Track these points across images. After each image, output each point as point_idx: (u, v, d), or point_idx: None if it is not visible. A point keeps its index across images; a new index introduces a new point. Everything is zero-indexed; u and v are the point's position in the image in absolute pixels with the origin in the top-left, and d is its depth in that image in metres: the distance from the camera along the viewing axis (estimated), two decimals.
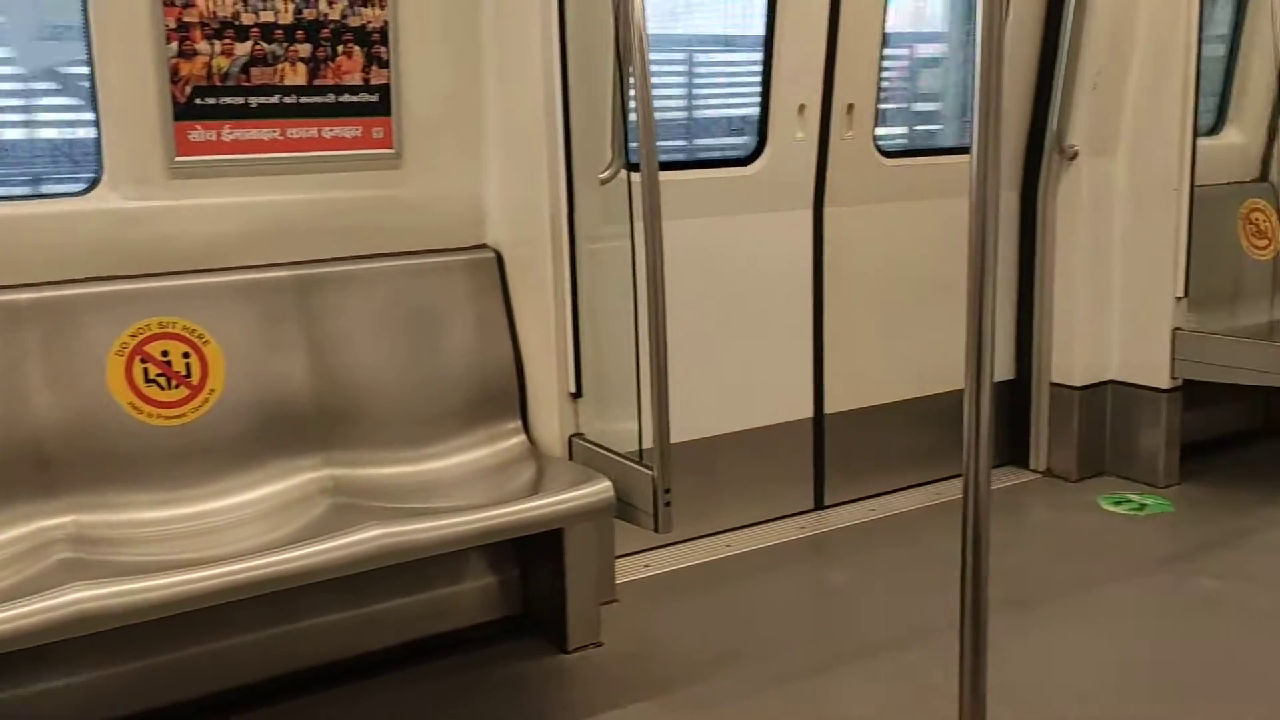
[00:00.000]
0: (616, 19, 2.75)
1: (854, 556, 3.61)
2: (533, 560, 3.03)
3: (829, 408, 3.91)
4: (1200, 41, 3.80)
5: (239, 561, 2.28)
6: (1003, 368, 4.29)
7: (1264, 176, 4.50)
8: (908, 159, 4.00)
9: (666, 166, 3.59)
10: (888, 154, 3.88)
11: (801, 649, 2.95)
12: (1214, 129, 4.53)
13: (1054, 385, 4.20)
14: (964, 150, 4.13)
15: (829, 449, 3.94)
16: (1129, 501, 3.94)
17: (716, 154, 3.88)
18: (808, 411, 3.89)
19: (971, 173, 1.68)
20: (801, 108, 3.60)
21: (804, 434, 3.90)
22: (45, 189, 2.68)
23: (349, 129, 2.80)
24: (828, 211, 3.78)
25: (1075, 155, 4.01)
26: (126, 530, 2.50)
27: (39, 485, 2.45)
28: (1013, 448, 4.35)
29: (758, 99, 3.59)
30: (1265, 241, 4.32)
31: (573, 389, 2.93)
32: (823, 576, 3.52)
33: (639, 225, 2.61)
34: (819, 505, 3.96)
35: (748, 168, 3.62)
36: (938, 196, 3.84)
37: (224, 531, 2.54)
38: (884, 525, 3.81)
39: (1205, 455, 4.31)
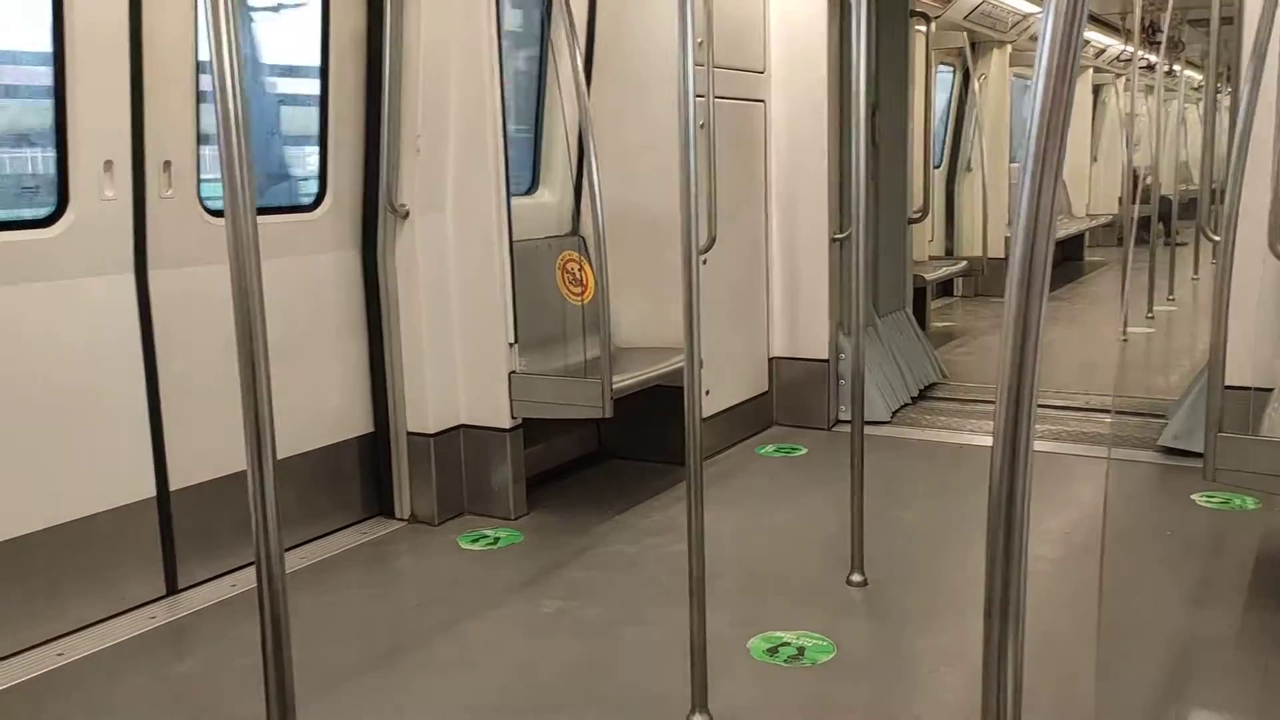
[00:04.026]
0: None
1: (212, 640, 3.38)
2: None
3: (175, 483, 3.64)
4: (505, 112, 4.20)
5: None
6: (361, 421, 4.35)
7: (575, 230, 5.11)
8: None
9: None
10: (216, 213, 3.72)
11: None
12: (530, 189, 5.05)
13: (411, 434, 4.35)
14: (299, 209, 4.17)
15: (179, 527, 3.66)
16: (484, 537, 4.19)
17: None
18: (150, 490, 3.58)
19: (228, 238, 1.64)
20: (108, 164, 3.32)
21: (148, 514, 3.59)
22: None
23: None
24: (153, 275, 3.52)
25: (408, 214, 4.20)
26: None
27: None
28: (379, 498, 4.42)
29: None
30: (580, 288, 4.89)
31: None
32: (177, 669, 3.24)
33: None
34: (172, 589, 3.66)
35: (47, 230, 3.24)
36: (269, 256, 3.77)
37: None
38: (245, 600, 3.61)
39: (549, 484, 4.76)
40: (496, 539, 4.18)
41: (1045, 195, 1.11)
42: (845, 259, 5.60)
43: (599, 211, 3.98)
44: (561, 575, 3.84)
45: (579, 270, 4.93)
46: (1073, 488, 4.74)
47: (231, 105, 1.61)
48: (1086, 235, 13.00)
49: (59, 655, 3.21)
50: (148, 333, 3.54)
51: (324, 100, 4.07)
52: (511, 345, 4.29)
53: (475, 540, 4.16)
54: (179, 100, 3.53)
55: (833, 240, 5.60)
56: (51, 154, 3.26)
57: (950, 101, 10.24)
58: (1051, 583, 3.56)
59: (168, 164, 3.50)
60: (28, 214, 3.33)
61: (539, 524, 4.35)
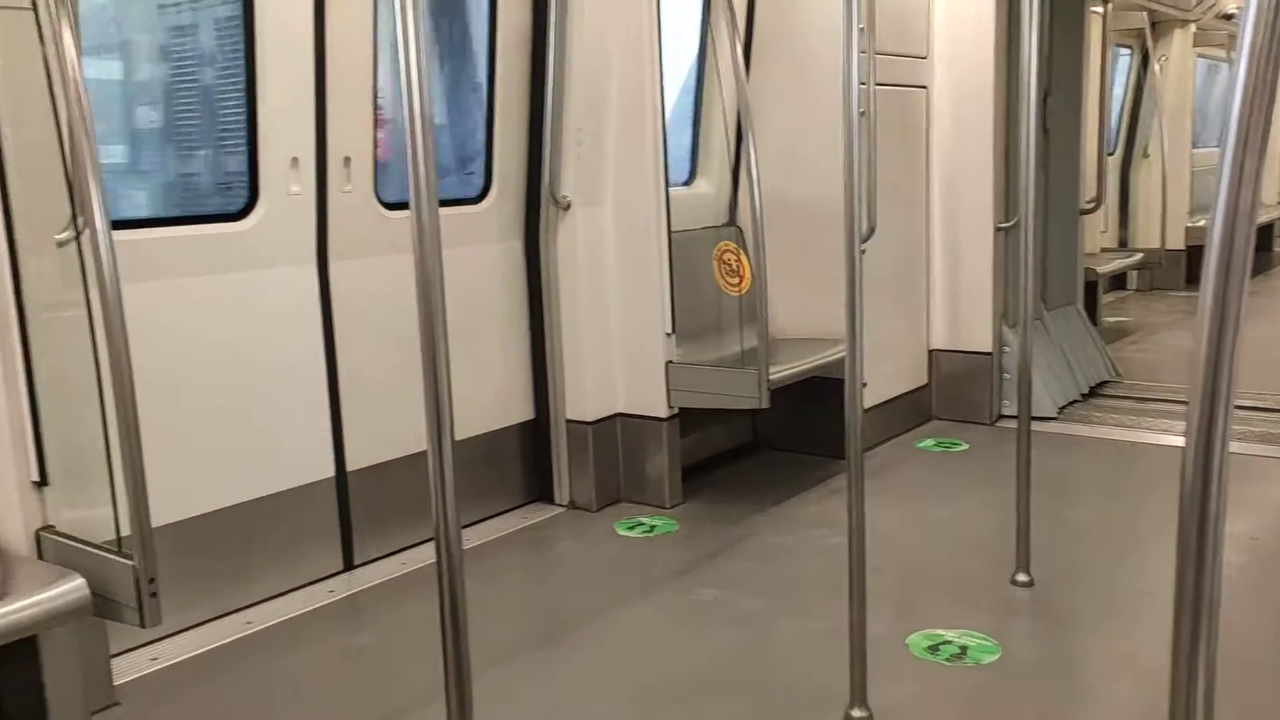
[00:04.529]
0: (47, 66, 2.49)
1: (384, 615, 3.54)
2: (4, 674, 2.63)
3: (351, 464, 3.83)
4: (664, 107, 4.24)
5: None
6: (523, 408, 4.47)
7: (732, 221, 5.11)
8: (408, 210, 4.03)
9: (144, 224, 3.35)
10: (392, 206, 3.89)
11: None
12: (689, 180, 5.08)
13: (570, 422, 4.44)
14: (465, 201, 4.30)
15: (355, 506, 3.85)
16: (641, 525, 4.25)
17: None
18: (330, 470, 3.78)
19: (412, 228, 1.72)
20: (294, 160, 3.51)
21: (328, 493, 3.79)
22: None
23: None
24: (333, 266, 3.71)
25: (569, 206, 4.29)
26: None
27: None
28: (539, 484, 4.53)
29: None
30: (736, 279, 4.88)
31: (36, 477, 2.60)
32: (353, 641, 3.42)
33: (95, 290, 2.37)
34: (349, 565, 3.85)
35: (240, 223, 3.46)
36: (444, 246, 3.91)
37: None
38: (415, 577, 3.78)
39: (705, 474, 4.78)
40: (652, 527, 4.23)
41: (1247, 180, 1.06)
42: (1011, 249, 5.42)
43: (757, 201, 3.97)
44: (717, 564, 3.86)
45: (735, 261, 4.93)
46: (1260, 490, 4.46)
47: (416, 101, 1.68)
48: (1277, 224, 12.16)
49: (247, 624, 3.42)
50: (328, 321, 3.73)
51: (490, 95, 4.20)
52: (669, 335, 4.33)
53: (632, 527, 4.23)
54: (357, 98, 3.70)
55: (998, 229, 5.43)
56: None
57: (1128, 85, 9.72)
58: (1236, 589, 3.36)
59: (347, 160, 3.68)
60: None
61: (694, 513, 4.38)
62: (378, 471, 3.90)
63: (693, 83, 5.01)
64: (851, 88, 2.53)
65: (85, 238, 2.63)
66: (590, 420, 4.40)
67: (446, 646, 1.83)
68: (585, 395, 4.40)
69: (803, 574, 3.74)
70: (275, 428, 3.58)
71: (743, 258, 4.92)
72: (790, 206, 4.79)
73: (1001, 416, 5.55)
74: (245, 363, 3.48)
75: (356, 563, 3.87)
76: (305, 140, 3.55)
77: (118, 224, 2.55)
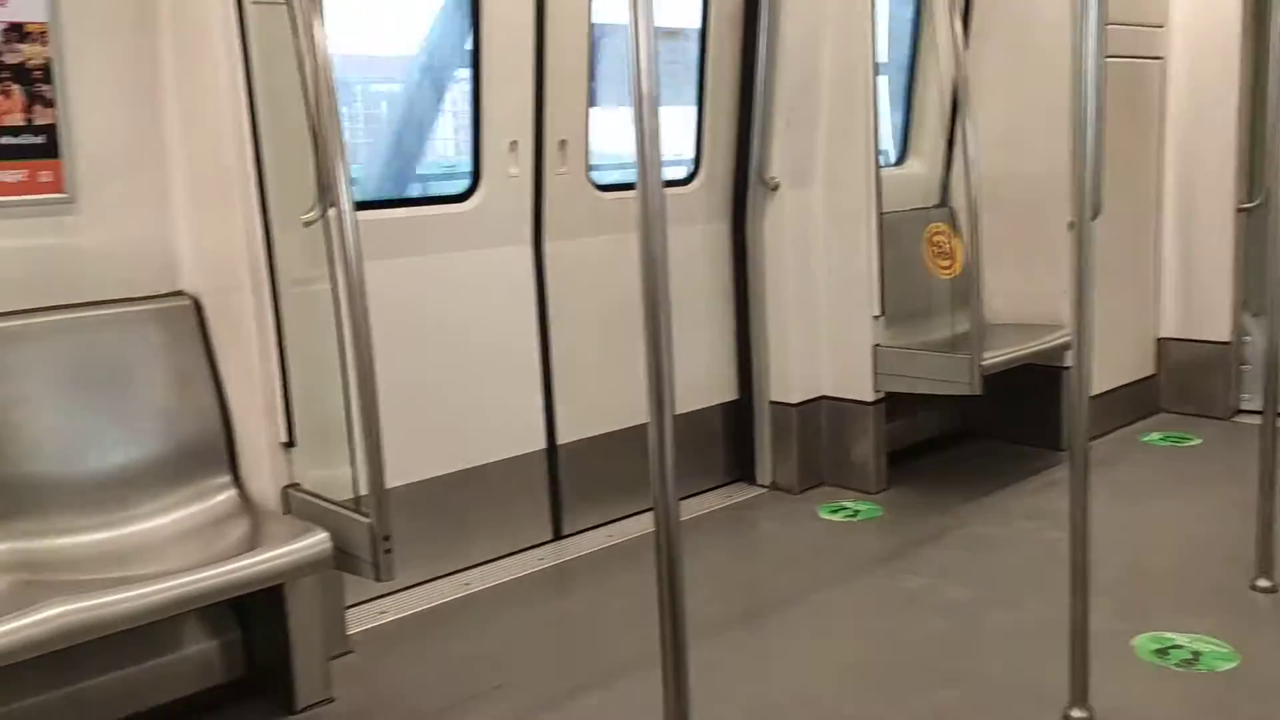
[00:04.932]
0: (299, 52, 2.67)
1: (592, 584, 3.66)
2: (253, 620, 2.88)
3: (562, 438, 3.96)
4: (876, 85, 4.15)
5: None
6: (727, 388, 4.49)
7: (944, 202, 4.95)
8: (623, 192, 4.12)
9: (378, 205, 3.57)
10: (602, 187, 3.98)
11: (541, 684, 2.95)
12: (899, 160, 4.96)
13: (774, 403, 4.44)
14: (673, 183, 4.35)
15: (564, 478, 3.98)
16: (844, 509, 4.20)
17: None
18: (541, 443, 3.92)
19: (638, 207, 1.75)
20: (514, 144, 3.65)
21: (539, 465, 3.93)
22: None
23: (12, 173, 2.58)
24: (547, 246, 3.84)
25: (777, 187, 4.27)
26: None
27: None
28: (741, 465, 4.55)
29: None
30: (948, 261, 4.74)
31: (285, 438, 2.82)
32: (562, 607, 3.55)
33: (339, 267, 2.54)
34: (558, 535, 3.99)
35: (463, 204, 3.63)
36: None
37: None
38: (621, 550, 3.88)
39: (911, 460, 4.67)
40: (856, 511, 4.17)
41: None
42: (1254, 231, 5.02)
43: (974, 180, 3.84)
44: (924, 552, 3.77)
45: (947, 243, 4.78)
46: None
47: (644, 82, 1.71)
48: None
49: (465, 585, 3.60)
50: (542, 299, 3.86)
51: (701, 75, 4.22)
52: (876, 318, 4.26)
53: (835, 511, 4.19)
54: (574, 82, 3.80)
55: (1238, 210, 5.04)
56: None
57: None
58: None
59: (563, 143, 3.79)
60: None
61: (899, 499, 4.29)
62: (586, 445, 4.01)
63: (906, 59, 4.88)
64: (1086, 60, 2.40)
65: (330, 218, 2.84)
66: (794, 402, 4.38)
67: (663, 616, 1.88)
68: (790, 377, 4.38)
69: (1015, 567, 3.60)
70: (492, 400, 3.74)
71: (955, 240, 4.77)
72: (1006, 185, 4.59)
73: (1239, 411, 5.16)
74: (467, 338, 3.65)
75: (565, 533, 4.00)
76: (524, 124, 3.68)
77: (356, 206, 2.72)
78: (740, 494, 4.44)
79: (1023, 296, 4.75)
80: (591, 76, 3.84)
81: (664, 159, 1.79)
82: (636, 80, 1.73)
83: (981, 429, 5.01)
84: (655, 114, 1.76)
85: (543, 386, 3.90)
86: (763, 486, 4.49)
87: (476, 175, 3.64)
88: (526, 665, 3.07)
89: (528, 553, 3.86)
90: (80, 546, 2.60)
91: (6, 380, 2.59)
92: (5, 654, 2.12)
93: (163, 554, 2.61)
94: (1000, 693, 2.80)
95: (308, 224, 2.94)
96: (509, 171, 3.67)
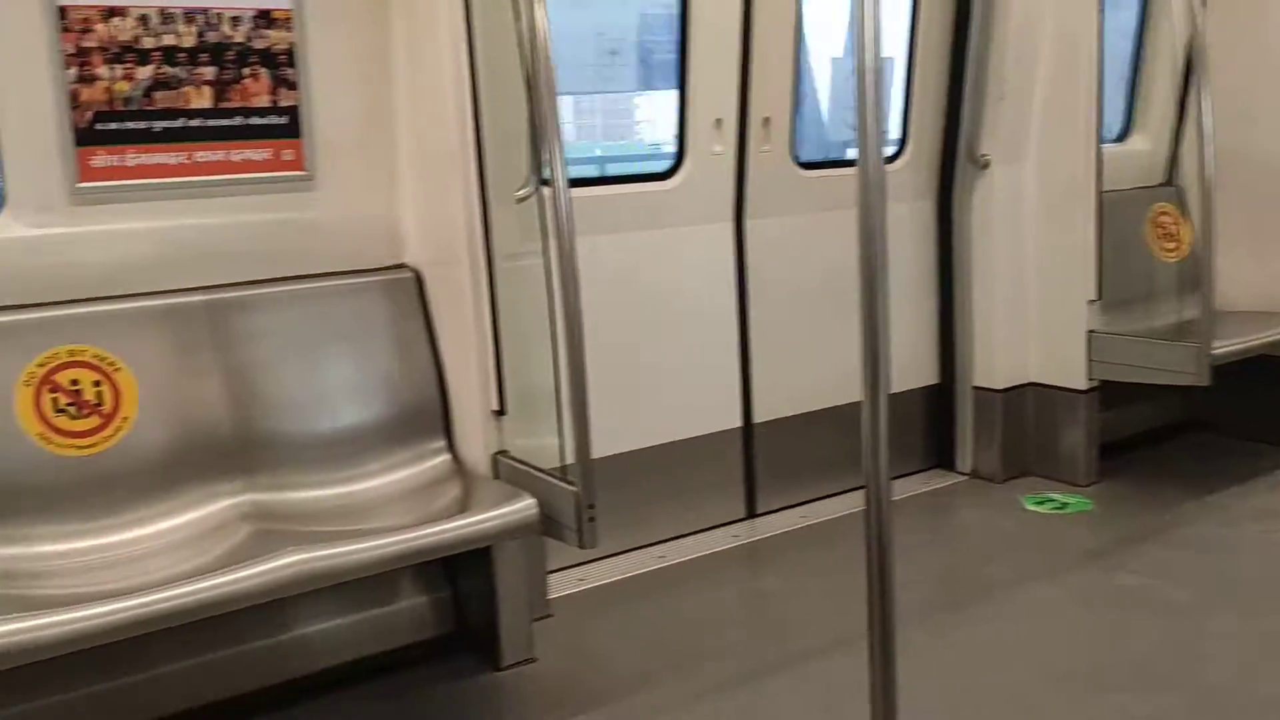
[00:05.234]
0: (522, 42, 2.76)
1: (786, 563, 3.64)
2: (462, 578, 3.02)
3: (758, 416, 3.95)
4: (1102, 54, 3.92)
5: (158, 591, 2.23)
6: (927, 373, 4.37)
7: (1170, 180, 4.64)
8: (825, 170, 4.06)
9: (585, 183, 3.65)
10: (806, 165, 3.94)
11: (736, 658, 2.97)
12: (1121, 136, 4.67)
13: (977, 389, 4.29)
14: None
15: (759, 457, 3.98)
16: (1051, 500, 4.02)
17: None
18: (737, 421, 3.93)
19: (858, 185, 1.73)
20: (718, 122, 3.65)
21: (734, 443, 3.94)
22: None
23: (258, 151, 2.78)
24: (748, 224, 3.83)
25: (988, 164, 4.11)
26: (42, 564, 2.44)
27: None
28: (940, 451, 4.43)
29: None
30: (1174, 244, 4.45)
31: (496, 407, 2.93)
32: (755, 584, 3.55)
33: (553, 242, 2.62)
34: (751, 513, 3.99)
35: (667, 182, 3.66)
36: (849, 206, 3.90)
37: (143, 561, 2.50)
38: (815, 531, 3.85)
39: (1125, 453, 4.42)
40: (1064, 504, 3.99)
41: None
42: None
43: (1209, 157, 3.58)
44: (1140, 550, 3.57)
45: (1173, 225, 4.49)
46: None
47: (869, 54, 1.68)
48: None
49: (660, 558, 3.66)
50: (741, 277, 3.86)
51: (911, 47, 4.10)
52: (1092, 303, 4.04)
53: (1041, 503, 4.01)
54: (779, 60, 3.77)
55: None
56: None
57: None
58: None
59: (767, 120, 3.77)
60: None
61: (1112, 493, 4.07)
62: (781, 425, 3.99)
63: (1133, 25, 4.59)
64: None
65: (542, 195, 2.92)
66: (999, 388, 4.22)
67: (872, 600, 1.85)
68: (995, 362, 4.22)
69: (1243, 570, 3.37)
70: (691, 377, 3.77)
71: (1182, 222, 4.48)
72: (1241, 163, 4.26)
73: None
74: (667, 315, 3.69)
75: (759, 511, 4.00)
76: (729, 102, 3.68)
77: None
78: (939, 480, 4.32)
79: (1256, 281, 4.41)
80: (798, 53, 3.80)
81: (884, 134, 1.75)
82: (860, 52, 1.70)
83: (1204, 422, 4.69)
84: (878, 86, 1.72)
85: (740, 365, 3.90)
86: (963, 474, 4.35)
87: (680, 153, 3.66)
88: (721, 640, 3.09)
89: (721, 529, 3.88)
90: (311, 501, 2.79)
91: (250, 344, 2.80)
92: (247, 596, 2.30)
93: (384, 511, 2.77)
94: (1225, 700, 2.62)
95: (520, 200, 3.05)
96: (713, 149, 3.68)
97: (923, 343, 4.34)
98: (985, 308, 4.23)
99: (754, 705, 2.76)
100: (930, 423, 4.41)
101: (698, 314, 3.78)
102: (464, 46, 2.76)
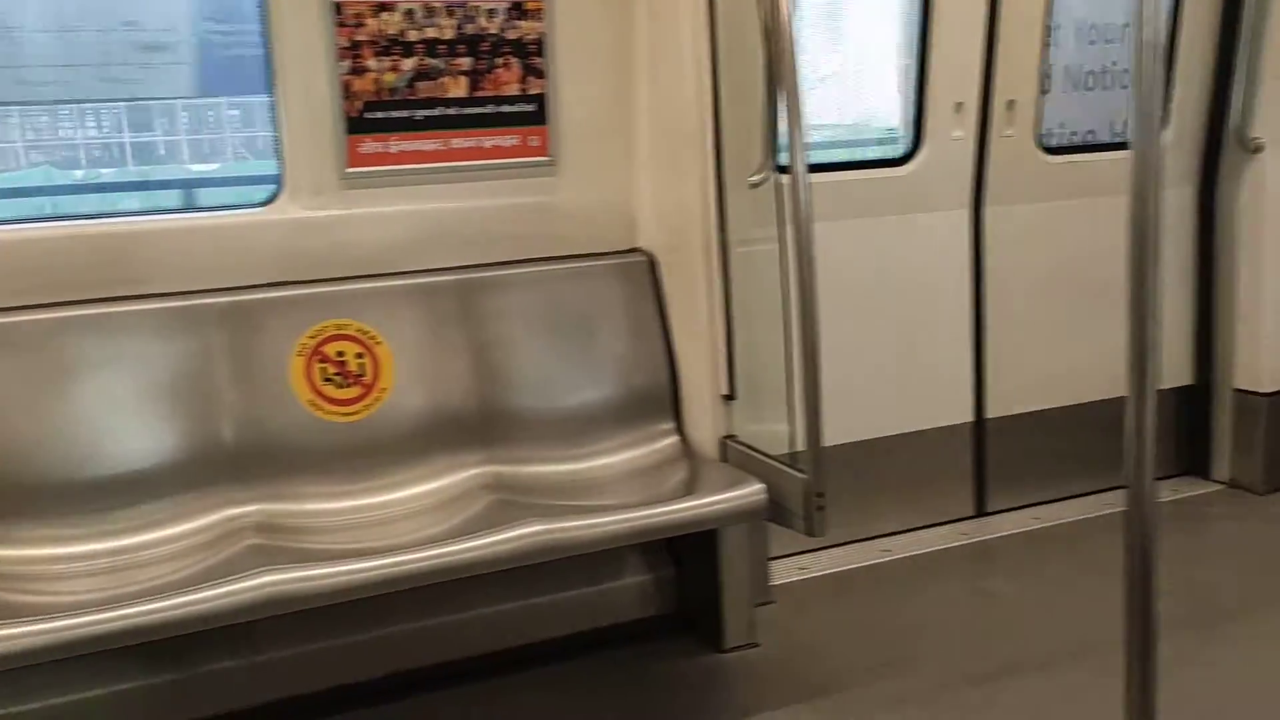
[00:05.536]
0: (766, 26, 2.75)
1: (1017, 566, 3.49)
2: (687, 560, 3.06)
3: (990, 412, 3.80)
4: None
5: (409, 552, 2.39)
6: (1179, 373, 4.08)
7: None
8: (1073, 155, 3.84)
9: (818, 169, 3.60)
10: (1052, 150, 3.74)
11: (960, 660, 2.88)
12: None
13: (1238, 391, 3.96)
14: (1119, 145, 3.99)
15: (990, 454, 3.83)
16: None
17: None
18: (968, 415, 3.79)
19: (1132, 167, 1.62)
20: (958, 105, 3.53)
21: (964, 438, 3.81)
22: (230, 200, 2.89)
23: (507, 138, 2.91)
24: (987, 211, 3.68)
25: (1260, 148, 3.78)
26: (307, 519, 2.66)
27: (229, 476, 2.64)
28: (1192, 457, 4.12)
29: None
30: None
31: (725, 391, 2.95)
32: (984, 585, 3.42)
33: (789, 228, 2.61)
34: (980, 512, 3.85)
35: (902, 168, 3.57)
36: (1106, 194, 3.69)
37: (395, 523, 2.67)
38: (1048, 535, 3.68)
39: None
40: None
41: None
42: None
43: None
44: None
45: None
46: None
47: (1149, 29, 1.57)
48: None
49: (884, 551, 3.58)
50: (977, 267, 3.72)
51: (1175, 17, 3.80)
52: None
53: None
54: (1026, 41, 3.59)
55: None
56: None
57: None
58: None
59: (1011, 104, 3.60)
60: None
61: None
62: (1017, 422, 3.83)
63: None
64: None
65: (777, 180, 2.91)
66: (1265, 391, 3.88)
67: (1131, 611, 1.75)
68: (1261, 362, 3.89)
69: None
70: (922, 368, 3.67)
71: None
72: None
73: None
74: (900, 303, 3.61)
75: (988, 510, 3.85)
76: (970, 85, 3.54)
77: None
78: (1190, 488, 4.02)
79: None
80: (1048, 32, 3.61)
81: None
82: (1138, 27, 1.59)
83: None
84: (1158, 62, 1.61)
85: (973, 357, 3.76)
86: (1218, 482, 4.03)
87: (918, 138, 3.56)
88: (947, 639, 3.01)
89: (948, 526, 3.76)
90: (546, 475, 2.90)
91: (494, 323, 2.94)
92: (494, 561, 2.43)
93: (614, 489, 2.85)
94: None
95: (754, 186, 3.05)
96: (952, 134, 3.56)
97: (1176, 339, 4.05)
98: (1251, 304, 3.89)
99: (979, 711, 2.67)
100: (1182, 426, 4.10)
101: (930, 304, 3.67)
102: (705, 34, 2.79)
